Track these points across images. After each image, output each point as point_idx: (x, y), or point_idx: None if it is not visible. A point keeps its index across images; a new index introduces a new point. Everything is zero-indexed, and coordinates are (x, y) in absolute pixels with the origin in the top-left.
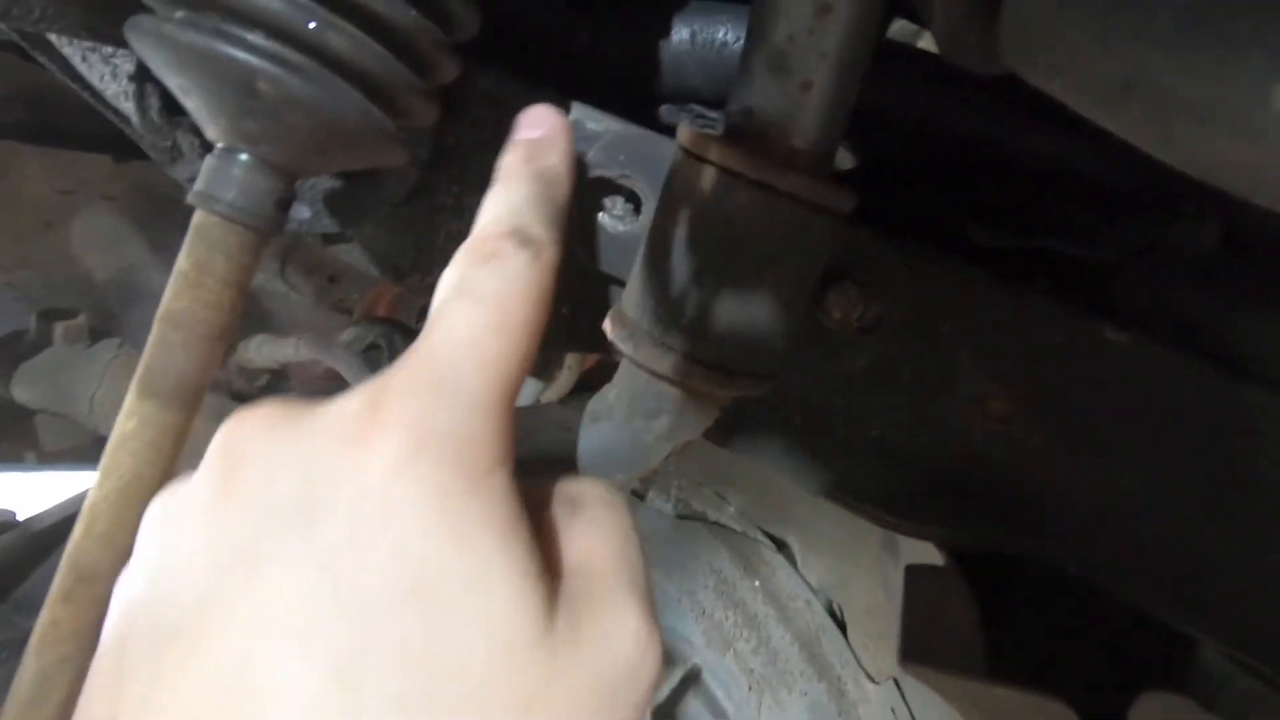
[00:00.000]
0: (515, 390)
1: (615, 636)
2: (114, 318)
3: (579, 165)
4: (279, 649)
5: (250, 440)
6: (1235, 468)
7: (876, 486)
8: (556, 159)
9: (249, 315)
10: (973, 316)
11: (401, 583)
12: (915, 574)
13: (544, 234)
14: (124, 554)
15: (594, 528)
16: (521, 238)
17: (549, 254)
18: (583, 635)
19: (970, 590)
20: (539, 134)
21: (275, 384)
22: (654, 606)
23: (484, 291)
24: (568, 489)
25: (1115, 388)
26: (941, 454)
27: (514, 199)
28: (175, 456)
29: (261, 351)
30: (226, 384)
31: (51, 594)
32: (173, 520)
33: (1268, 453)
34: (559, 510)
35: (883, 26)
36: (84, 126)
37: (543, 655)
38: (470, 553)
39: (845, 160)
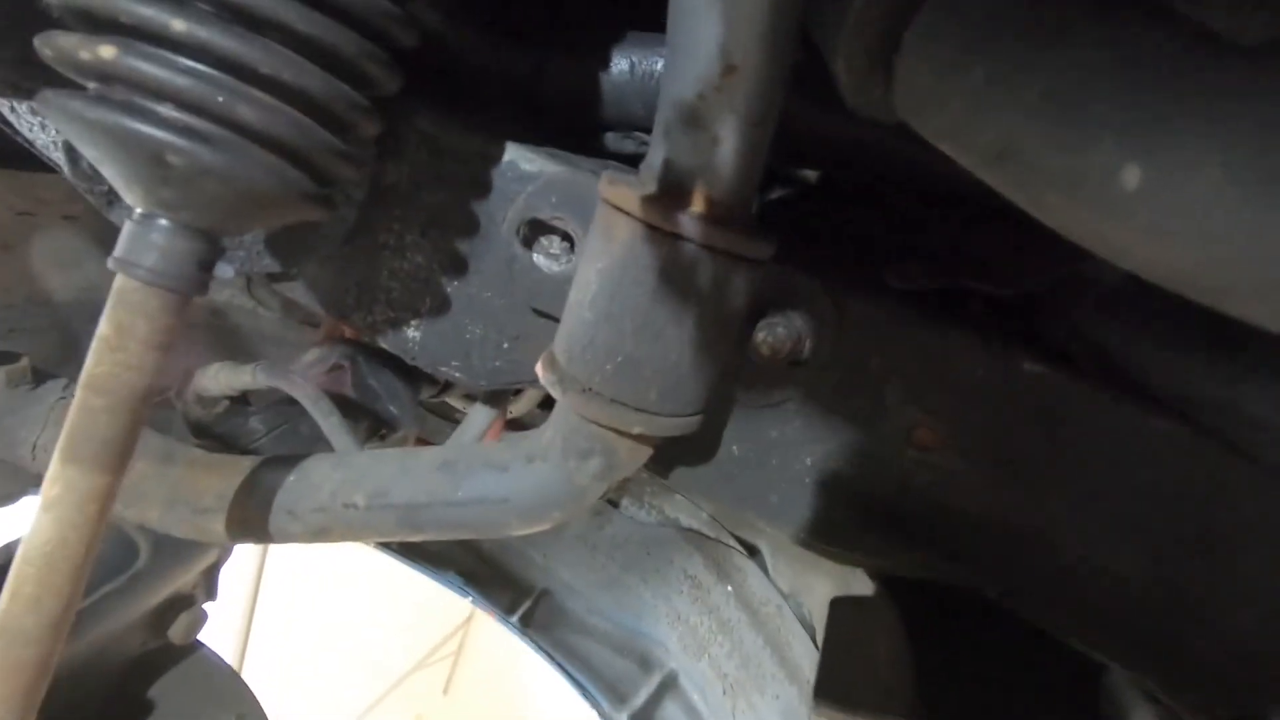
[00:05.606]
0: None
1: None
2: (76, 339)
3: None
4: None
5: None
6: (1148, 494)
7: (811, 515)
8: None
9: (217, 331)
10: (899, 350)
11: None
12: (839, 606)
13: None
14: (51, 617)
15: None
16: None
17: None
18: None
19: (901, 621)
20: None
21: (234, 410)
22: None
23: None
24: None
25: (1034, 418)
26: (871, 482)
27: None
28: (101, 519)
29: (219, 379)
30: (184, 413)
31: None
32: None
33: (1175, 478)
34: None
35: (790, 83)
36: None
37: None
38: None
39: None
